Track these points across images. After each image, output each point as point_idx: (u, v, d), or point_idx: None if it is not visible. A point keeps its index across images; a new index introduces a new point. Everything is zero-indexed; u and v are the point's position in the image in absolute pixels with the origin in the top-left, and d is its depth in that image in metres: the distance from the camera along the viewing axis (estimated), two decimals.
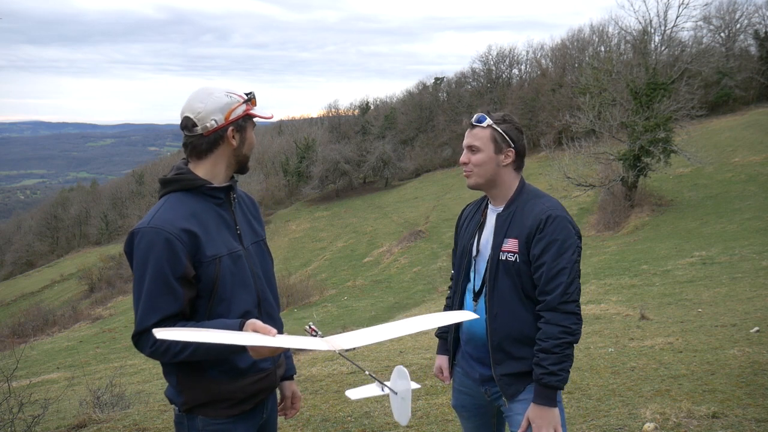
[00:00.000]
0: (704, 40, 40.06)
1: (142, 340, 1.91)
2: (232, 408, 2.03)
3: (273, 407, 2.28)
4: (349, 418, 4.53)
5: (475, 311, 2.34)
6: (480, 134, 2.32)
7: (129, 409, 5.24)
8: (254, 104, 2.10)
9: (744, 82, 40.42)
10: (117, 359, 12.95)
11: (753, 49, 43.08)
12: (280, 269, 26.12)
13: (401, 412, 1.79)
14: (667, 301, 9.43)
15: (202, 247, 1.95)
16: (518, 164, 2.37)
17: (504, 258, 2.27)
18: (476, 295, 2.38)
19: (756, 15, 43.08)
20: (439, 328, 2.59)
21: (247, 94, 2.08)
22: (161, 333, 1.71)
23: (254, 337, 1.79)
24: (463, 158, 2.37)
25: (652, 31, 27.84)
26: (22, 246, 67.01)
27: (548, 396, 2.16)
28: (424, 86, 61.63)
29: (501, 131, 2.31)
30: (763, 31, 42.25)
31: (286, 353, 2.36)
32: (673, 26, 27.97)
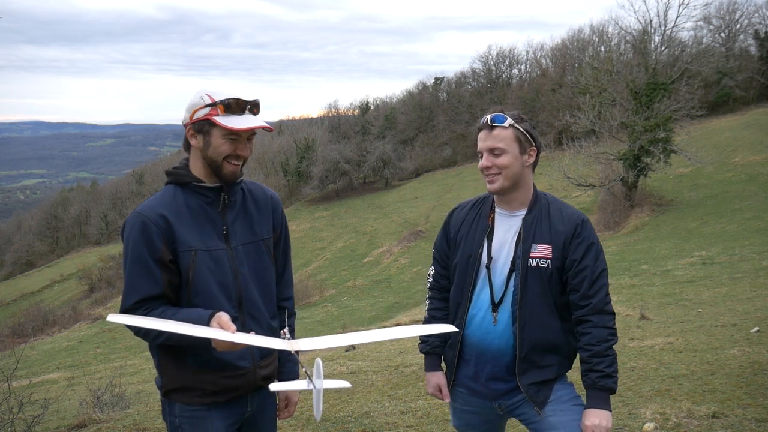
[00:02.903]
0: (704, 40, 40.05)
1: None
2: (204, 397, 2.08)
3: (264, 405, 2.26)
4: (349, 418, 4.53)
5: (494, 322, 2.23)
6: (502, 135, 2.18)
7: (129, 409, 5.25)
8: (222, 111, 1.98)
9: (744, 82, 40.42)
10: (117, 359, 12.97)
11: (753, 49, 43.08)
12: None
13: (317, 407, 1.79)
14: (667, 301, 9.43)
15: (176, 235, 2.01)
16: (536, 164, 2.27)
17: (534, 264, 2.18)
18: (496, 306, 2.23)
19: (756, 15, 43.15)
20: (426, 344, 2.42)
21: (227, 100, 1.98)
22: (114, 318, 1.80)
23: (211, 330, 1.80)
24: (484, 162, 2.20)
25: (652, 31, 27.87)
26: (22, 246, 66.97)
27: (605, 399, 2.12)
28: (424, 86, 61.58)
29: (523, 130, 2.20)
30: (763, 31, 42.24)
31: (289, 357, 2.31)
32: (673, 26, 28.01)
